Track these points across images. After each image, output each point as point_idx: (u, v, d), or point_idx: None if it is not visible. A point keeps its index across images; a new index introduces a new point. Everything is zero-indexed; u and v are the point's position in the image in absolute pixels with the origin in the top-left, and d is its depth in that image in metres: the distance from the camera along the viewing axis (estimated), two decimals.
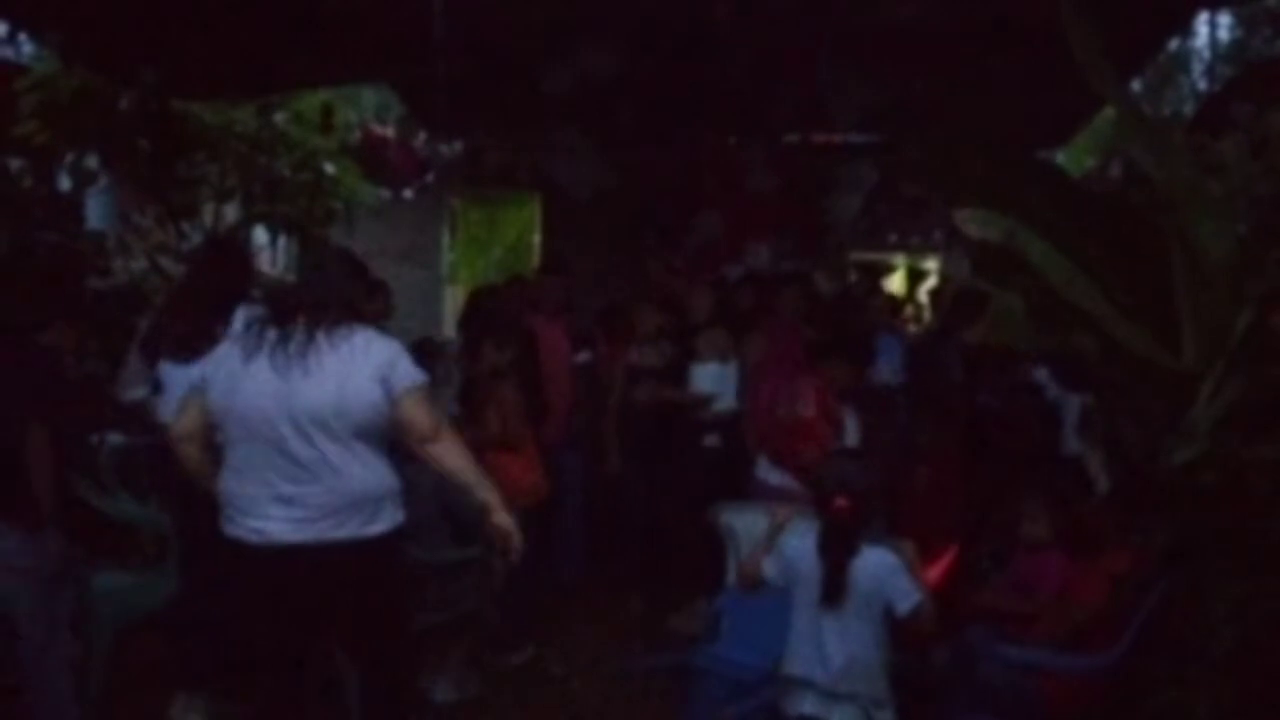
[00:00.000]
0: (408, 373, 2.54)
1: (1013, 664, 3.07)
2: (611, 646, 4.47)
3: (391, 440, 2.63)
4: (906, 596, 2.73)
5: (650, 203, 6.92)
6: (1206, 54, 11.16)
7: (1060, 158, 8.78)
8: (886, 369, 5.26)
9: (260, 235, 6.79)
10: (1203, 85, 10.88)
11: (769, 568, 2.92)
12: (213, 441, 2.62)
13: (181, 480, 3.34)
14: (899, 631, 2.79)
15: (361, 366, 2.49)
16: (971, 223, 2.80)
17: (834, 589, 2.73)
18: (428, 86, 5.51)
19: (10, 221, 4.80)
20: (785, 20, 4.95)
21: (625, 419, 5.00)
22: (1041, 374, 5.12)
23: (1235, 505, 2.54)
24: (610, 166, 6.41)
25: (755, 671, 3.12)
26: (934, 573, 3.34)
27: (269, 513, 2.48)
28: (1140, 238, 2.80)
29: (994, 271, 3.12)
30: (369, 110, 9.74)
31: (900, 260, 8.81)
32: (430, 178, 8.72)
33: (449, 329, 8.32)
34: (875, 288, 6.52)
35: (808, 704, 2.76)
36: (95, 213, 5.75)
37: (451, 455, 2.57)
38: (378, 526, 2.53)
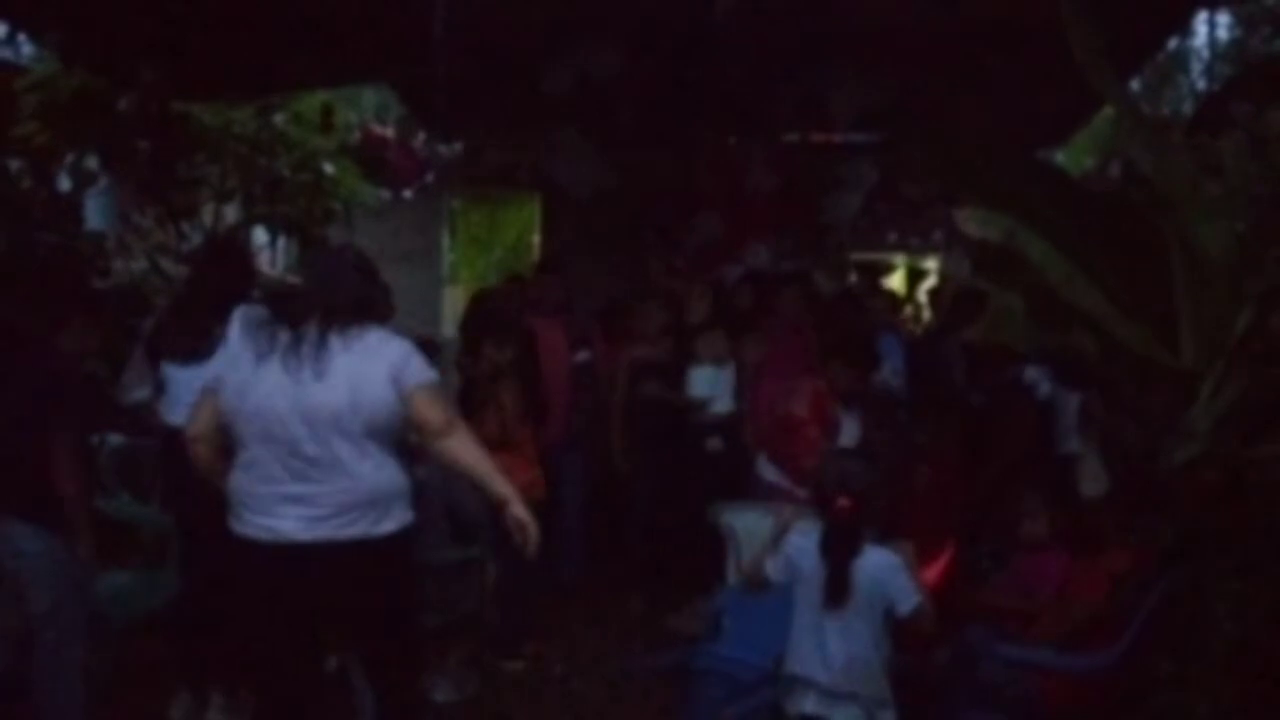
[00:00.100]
0: (419, 370, 2.55)
1: (1013, 663, 3.08)
2: (611, 646, 4.48)
3: (400, 440, 2.64)
4: (908, 597, 2.73)
5: (650, 203, 6.91)
6: (1205, 53, 11.15)
7: (1059, 157, 8.79)
8: (887, 369, 5.26)
9: (260, 236, 6.79)
10: (1202, 85, 10.89)
11: (771, 567, 2.93)
12: (224, 441, 2.62)
13: (183, 480, 3.36)
14: (899, 632, 2.79)
15: (375, 366, 2.51)
16: (971, 222, 2.81)
17: (837, 589, 2.73)
18: (428, 87, 5.51)
19: (10, 222, 4.80)
20: (785, 20, 4.95)
21: (628, 418, 5.00)
22: (1033, 373, 5.13)
23: (1235, 504, 2.54)
24: (610, 166, 6.41)
25: (755, 671, 3.12)
26: (931, 572, 3.34)
27: (281, 511, 2.49)
28: (1140, 237, 2.80)
29: (994, 271, 3.13)
30: (369, 110, 9.74)
31: (900, 260, 8.81)
32: (430, 178, 8.71)
33: (449, 329, 8.32)
34: (875, 287, 6.52)
35: (809, 703, 2.76)
36: (95, 214, 5.75)
37: (465, 450, 2.58)
38: (388, 525, 2.54)
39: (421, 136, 8.60)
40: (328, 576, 2.49)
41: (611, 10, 5.07)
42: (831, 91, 5.82)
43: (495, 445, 4.00)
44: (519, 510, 2.55)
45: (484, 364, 4.21)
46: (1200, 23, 8.97)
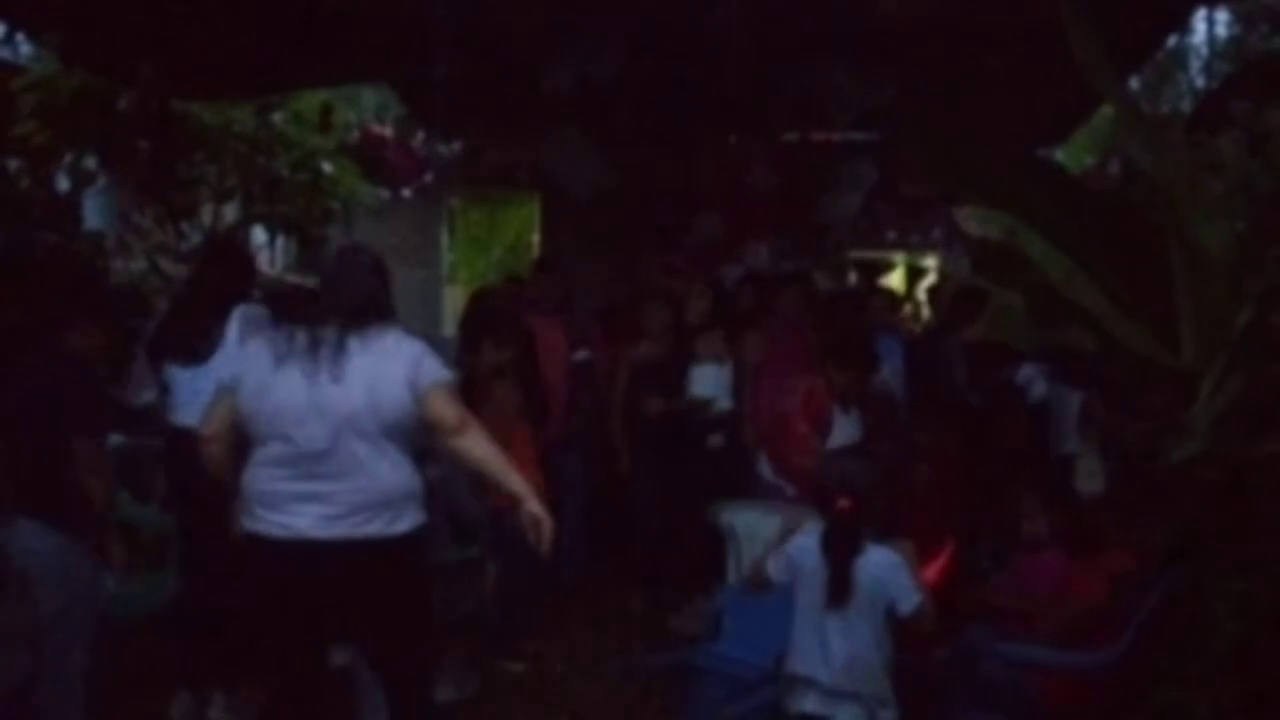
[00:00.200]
0: (434, 369, 2.58)
1: (1013, 662, 3.08)
2: (611, 646, 4.48)
3: (413, 442, 2.65)
4: (909, 595, 2.73)
5: (650, 203, 6.91)
6: (1204, 51, 11.15)
7: (1059, 156, 8.79)
8: (886, 369, 5.26)
9: (259, 235, 6.80)
10: (1201, 82, 10.90)
11: (772, 567, 2.93)
12: (236, 440, 2.63)
13: (187, 480, 3.36)
14: (900, 631, 2.79)
15: (392, 367, 2.53)
16: (971, 220, 2.80)
17: (838, 589, 2.73)
18: (427, 86, 5.51)
19: (8, 222, 4.79)
20: (785, 20, 4.94)
21: (629, 419, 5.00)
22: (1028, 371, 5.13)
23: (1235, 503, 2.54)
24: (610, 166, 6.40)
25: (756, 670, 3.12)
26: (931, 571, 3.34)
27: (298, 509, 2.50)
28: (1139, 235, 2.80)
29: (994, 269, 3.13)
30: (368, 110, 9.75)
31: (899, 258, 8.82)
32: (429, 177, 8.72)
33: (448, 329, 8.32)
34: (875, 287, 6.52)
35: (810, 702, 2.76)
36: (94, 213, 5.75)
37: (479, 447, 2.60)
38: (402, 526, 2.56)
39: (420, 136, 8.60)
40: (343, 574, 2.51)
41: (611, 10, 5.07)
42: (831, 91, 5.82)
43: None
44: (534, 507, 2.55)
45: (484, 363, 4.21)
46: (1199, 20, 8.97)
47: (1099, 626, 3.08)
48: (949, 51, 5.30)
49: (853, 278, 7.54)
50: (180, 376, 3.45)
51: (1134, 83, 8.84)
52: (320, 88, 6.52)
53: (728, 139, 7.12)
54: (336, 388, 2.48)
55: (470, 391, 4.26)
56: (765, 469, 4.49)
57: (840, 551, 2.77)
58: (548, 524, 2.55)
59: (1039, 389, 5.19)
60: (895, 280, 8.25)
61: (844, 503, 2.78)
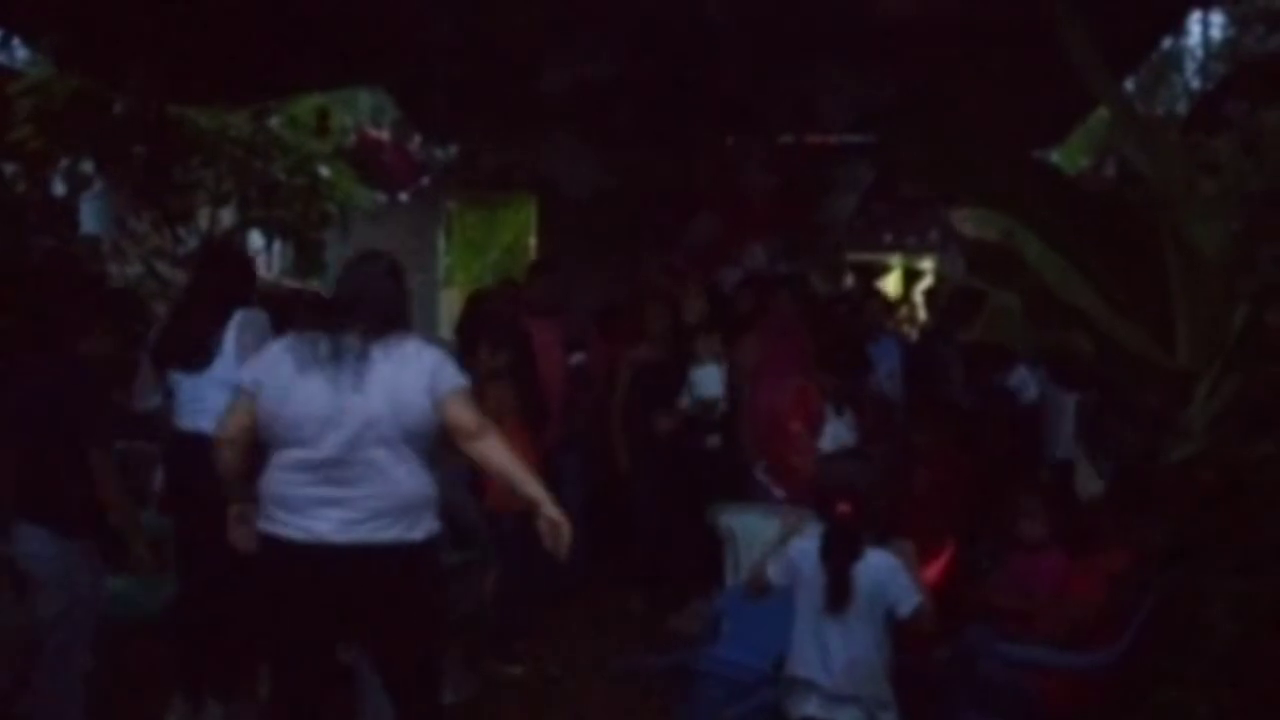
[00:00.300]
0: (451, 376, 2.60)
1: (1013, 663, 3.08)
2: (611, 647, 4.48)
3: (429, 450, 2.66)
4: (909, 597, 2.73)
5: (648, 203, 6.91)
6: (1199, 52, 11.22)
7: (1055, 157, 8.80)
8: (883, 372, 5.26)
9: (256, 239, 6.79)
10: (1196, 83, 10.94)
11: (772, 570, 2.92)
12: (251, 444, 2.64)
13: (187, 485, 3.36)
14: (900, 632, 2.79)
15: (412, 375, 2.56)
16: (968, 222, 2.81)
17: (838, 593, 2.73)
18: (424, 89, 5.51)
19: (5, 227, 4.79)
20: (783, 20, 4.95)
21: (628, 419, 4.99)
22: (1022, 373, 5.13)
23: (1233, 504, 2.54)
24: (608, 167, 6.41)
25: (755, 672, 3.12)
26: (931, 572, 3.34)
27: (318, 513, 2.52)
28: (1135, 236, 2.80)
29: (990, 271, 3.13)
30: (364, 113, 9.74)
31: (896, 260, 8.82)
32: (426, 181, 8.71)
33: (445, 332, 8.31)
34: (871, 290, 6.52)
35: (811, 706, 2.75)
36: (90, 218, 5.74)
37: (497, 453, 2.61)
38: (419, 532, 2.58)
39: (417, 139, 8.60)
40: (359, 578, 2.53)
41: (610, 11, 5.07)
42: (830, 91, 5.83)
43: None
44: (552, 511, 2.56)
45: (480, 365, 4.21)
46: (1194, 22, 9.02)
47: (1098, 627, 3.08)
48: (944, 52, 5.31)
49: (849, 280, 7.54)
50: (184, 381, 3.46)
51: (1129, 84, 8.84)
52: (316, 91, 6.51)
53: (725, 140, 7.12)
54: (359, 396, 2.51)
55: None
56: (763, 472, 4.48)
57: (840, 557, 2.76)
58: (566, 529, 2.55)
59: (1031, 392, 5.19)
60: (892, 283, 8.25)
61: (844, 507, 2.77)
